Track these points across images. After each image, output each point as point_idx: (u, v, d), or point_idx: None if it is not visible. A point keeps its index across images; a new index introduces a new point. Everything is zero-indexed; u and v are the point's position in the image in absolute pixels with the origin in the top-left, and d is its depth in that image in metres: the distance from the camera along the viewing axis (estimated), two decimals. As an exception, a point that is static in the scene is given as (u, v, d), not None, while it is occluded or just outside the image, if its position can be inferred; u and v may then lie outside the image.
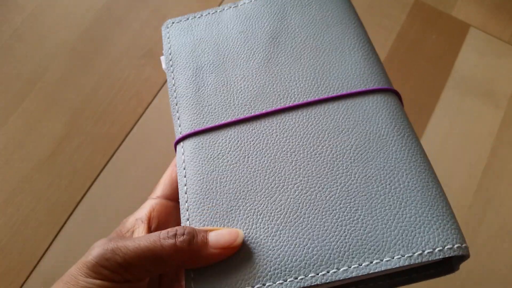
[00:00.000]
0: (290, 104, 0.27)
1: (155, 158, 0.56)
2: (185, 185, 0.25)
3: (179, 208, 0.25)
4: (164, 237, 0.21)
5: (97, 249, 0.21)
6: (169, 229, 0.22)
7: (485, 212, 0.56)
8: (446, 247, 0.21)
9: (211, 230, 0.22)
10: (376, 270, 0.21)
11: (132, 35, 0.65)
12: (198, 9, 0.68)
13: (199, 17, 0.32)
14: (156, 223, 0.26)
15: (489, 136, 0.60)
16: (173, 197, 0.29)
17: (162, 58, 0.32)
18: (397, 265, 0.21)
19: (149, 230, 0.26)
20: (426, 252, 0.21)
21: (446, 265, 0.23)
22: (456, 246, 0.21)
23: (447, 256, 0.21)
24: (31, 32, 0.65)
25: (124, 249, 0.21)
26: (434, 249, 0.21)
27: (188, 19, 0.33)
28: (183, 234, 0.21)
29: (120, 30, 0.65)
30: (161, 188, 0.29)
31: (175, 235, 0.21)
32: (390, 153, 0.24)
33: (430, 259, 0.21)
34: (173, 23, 0.33)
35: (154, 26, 0.66)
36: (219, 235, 0.22)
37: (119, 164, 0.56)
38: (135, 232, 0.25)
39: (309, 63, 0.28)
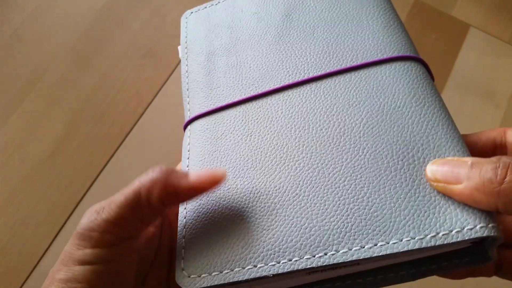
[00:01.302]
0: (298, 79, 0.25)
1: (155, 158, 0.56)
2: (187, 166, 0.25)
3: None
4: (142, 176, 0.21)
5: (83, 219, 0.21)
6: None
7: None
8: (465, 228, 0.18)
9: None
10: (380, 254, 0.19)
11: (132, 35, 0.65)
12: (198, 9, 0.68)
13: (216, 4, 0.32)
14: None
15: (489, 136, 0.60)
16: None
17: (179, 47, 0.32)
18: (405, 249, 0.18)
19: None
20: (441, 234, 0.18)
21: (482, 252, 0.20)
22: (479, 226, 0.18)
23: (466, 238, 0.18)
24: (31, 32, 0.65)
25: (108, 205, 0.20)
26: (451, 230, 0.18)
27: (206, 7, 0.32)
28: (160, 168, 0.21)
29: (120, 30, 0.65)
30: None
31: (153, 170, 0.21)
32: (406, 126, 0.22)
33: (445, 242, 0.18)
34: (191, 13, 0.33)
35: (154, 26, 0.66)
36: (200, 171, 0.22)
37: (119, 164, 0.56)
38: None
39: (322, 36, 0.27)
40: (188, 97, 0.28)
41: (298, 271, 0.20)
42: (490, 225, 0.18)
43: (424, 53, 0.65)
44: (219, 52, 0.29)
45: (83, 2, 0.67)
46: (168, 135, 0.58)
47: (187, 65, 0.30)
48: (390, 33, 0.26)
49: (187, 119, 0.27)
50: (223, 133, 0.25)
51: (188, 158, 0.25)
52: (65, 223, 0.53)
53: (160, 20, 0.66)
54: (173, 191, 0.21)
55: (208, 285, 0.20)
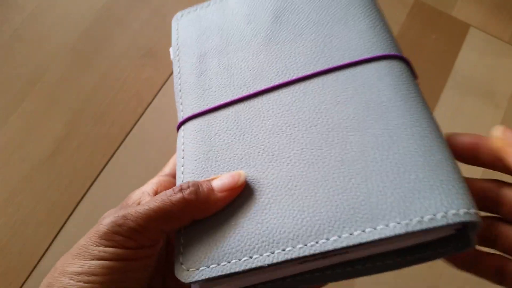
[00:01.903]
0: (288, 79, 0.26)
1: (155, 158, 0.56)
2: (183, 165, 0.26)
3: None
4: (171, 194, 0.22)
5: (108, 218, 0.21)
6: (173, 187, 0.22)
7: (485, 212, 0.56)
8: (449, 212, 0.19)
9: (212, 179, 0.23)
10: (368, 239, 0.20)
11: (132, 35, 0.65)
12: (198, 9, 0.68)
13: (207, 6, 0.33)
14: None
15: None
16: None
17: (171, 49, 0.32)
18: (393, 234, 0.19)
19: None
20: (426, 218, 0.19)
21: (463, 239, 0.21)
22: (462, 211, 0.19)
23: (451, 222, 0.19)
24: (31, 32, 0.65)
25: (135, 213, 0.21)
26: (435, 214, 0.19)
27: (196, 9, 0.33)
28: (189, 187, 0.22)
29: (120, 30, 0.65)
30: (170, 166, 0.29)
31: (181, 189, 0.22)
32: (390, 120, 0.23)
33: (431, 226, 0.19)
34: (182, 15, 0.33)
35: (154, 26, 0.66)
36: (222, 179, 0.23)
37: (119, 164, 0.56)
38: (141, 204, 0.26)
39: (311, 37, 0.28)
40: (180, 98, 0.29)
41: (291, 260, 0.21)
42: (471, 210, 0.19)
43: (424, 53, 0.65)
44: (211, 53, 0.29)
45: (83, 2, 0.67)
46: (168, 135, 0.58)
47: (179, 67, 0.30)
48: (375, 33, 0.27)
49: (180, 120, 0.28)
50: (216, 133, 0.26)
51: (183, 158, 0.26)
52: (65, 223, 0.53)
53: (160, 20, 0.66)
54: (204, 209, 0.22)
55: (207, 277, 0.21)
